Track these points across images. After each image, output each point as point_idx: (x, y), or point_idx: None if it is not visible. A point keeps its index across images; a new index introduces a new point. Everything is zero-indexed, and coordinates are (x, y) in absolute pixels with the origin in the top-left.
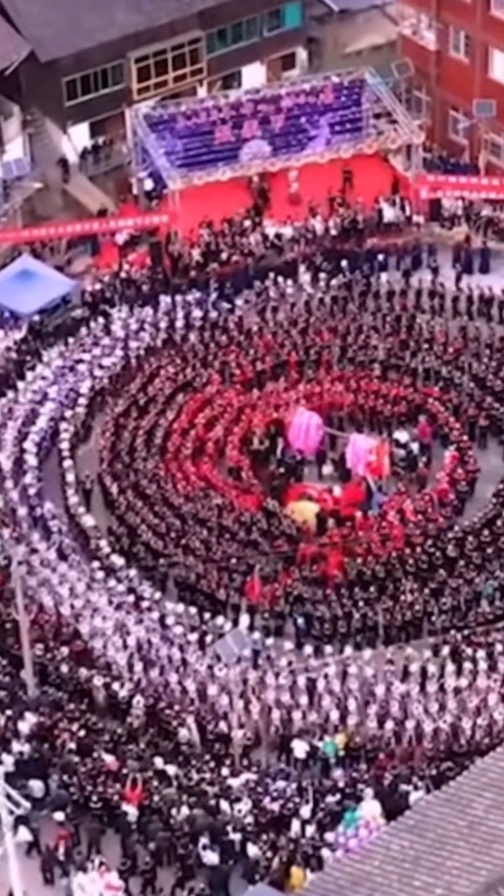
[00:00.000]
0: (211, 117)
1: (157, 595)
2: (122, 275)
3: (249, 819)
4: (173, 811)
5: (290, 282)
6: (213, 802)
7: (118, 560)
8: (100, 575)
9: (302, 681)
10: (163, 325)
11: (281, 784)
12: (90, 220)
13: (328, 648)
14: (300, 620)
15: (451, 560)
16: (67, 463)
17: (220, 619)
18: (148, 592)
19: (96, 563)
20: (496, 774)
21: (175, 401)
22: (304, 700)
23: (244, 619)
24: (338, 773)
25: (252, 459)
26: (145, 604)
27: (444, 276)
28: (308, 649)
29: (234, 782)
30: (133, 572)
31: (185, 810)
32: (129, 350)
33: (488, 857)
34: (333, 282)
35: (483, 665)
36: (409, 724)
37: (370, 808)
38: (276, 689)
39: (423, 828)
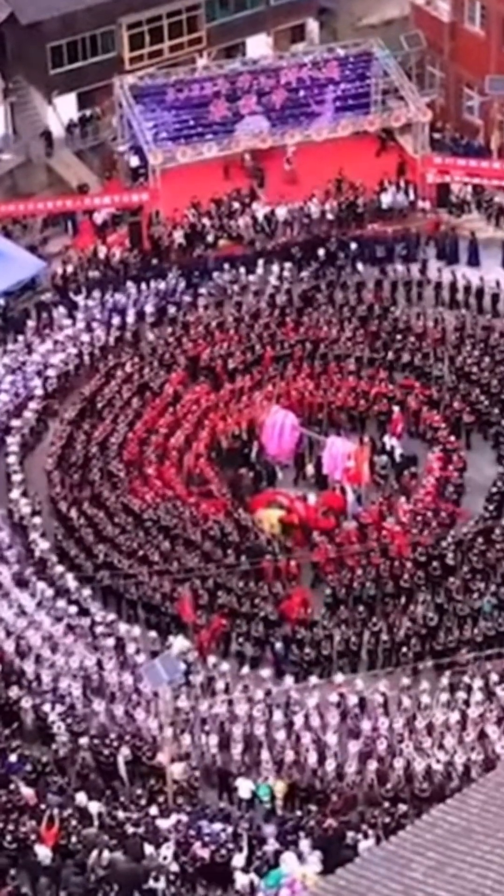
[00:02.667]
0: (204, 90)
1: (111, 617)
2: (100, 257)
3: (175, 867)
4: (92, 854)
5: (260, 272)
6: (137, 845)
7: (73, 581)
8: (49, 593)
9: (279, 715)
10: (115, 321)
11: (217, 827)
12: (63, 197)
13: (313, 678)
14: (278, 645)
15: (449, 573)
16: (17, 478)
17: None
18: (100, 616)
19: (44, 585)
20: (443, 831)
21: (134, 403)
22: (280, 736)
23: (178, 642)
24: (272, 824)
25: (219, 462)
26: (99, 629)
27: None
28: (289, 679)
29: (164, 823)
30: (87, 592)
31: (105, 854)
32: (82, 347)
33: None
34: (304, 273)
35: (479, 696)
36: (398, 763)
37: (297, 864)
38: (250, 722)
39: (355, 890)
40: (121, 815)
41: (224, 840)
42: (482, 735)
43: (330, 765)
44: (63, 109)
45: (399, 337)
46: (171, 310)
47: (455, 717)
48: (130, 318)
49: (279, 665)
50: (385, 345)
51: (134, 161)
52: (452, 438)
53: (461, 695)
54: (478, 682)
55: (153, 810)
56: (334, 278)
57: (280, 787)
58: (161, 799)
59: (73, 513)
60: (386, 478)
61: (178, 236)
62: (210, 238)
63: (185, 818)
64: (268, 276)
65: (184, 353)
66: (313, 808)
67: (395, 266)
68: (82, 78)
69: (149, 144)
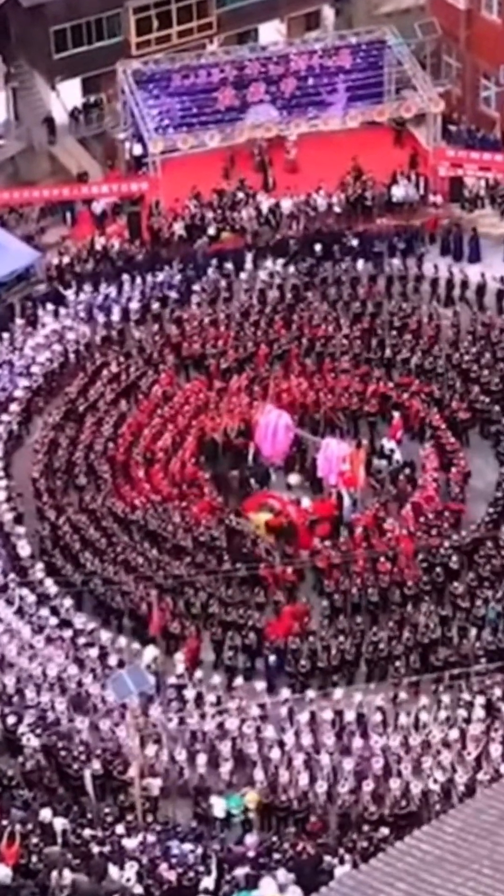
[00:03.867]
0: (211, 77)
1: (92, 625)
2: (97, 248)
3: (139, 889)
4: (53, 874)
5: (249, 267)
6: (100, 866)
7: (54, 588)
8: (31, 599)
9: (270, 732)
10: (101, 318)
11: (186, 847)
12: (61, 186)
13: (310, 692)
14: (272, 658)
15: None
16: (1, 483)
17: (177, 655)
18: (81, 623)
19: (26, 592)
20: (415, 860)
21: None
22: (275, 754)
23: (149, 653)
24: (250, 839)
25: (214, 461)
26: (82, 640)
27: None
28: (286, 692)
29: (130, 843)
30: (68, 602)
31: (67, 874)
32: (67, 344)
33: None
34: (291, 269)
35: (480, 712)
36: (395, 784)
37: (269, 889)
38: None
39: None
40: (86, 833)
41: (193, 862)
42: (486, 753)
43: (321, 786)
44: (67, 95)
45: (394, 333)
46: (156, 306)
47: (454, 734)
48: (116, 316)
49: (271, 678)
50: (381, 342)
51: (137, 149)
52: (452, 440)
53: (462, 711)
54: (480, 699)
55: (120, 829)
56: (328, 274)
57: (252, 798)
58: (130, 817)
59: (61, 520)
60: (383, 482)
61: (179, 228)
62: (212, 230)
63: (152, 837)
64: (260, 272)
65: (173, 351)
66: (291, 829)
67: (391, 261)
68: (87, 63)
69: (149, 132)
